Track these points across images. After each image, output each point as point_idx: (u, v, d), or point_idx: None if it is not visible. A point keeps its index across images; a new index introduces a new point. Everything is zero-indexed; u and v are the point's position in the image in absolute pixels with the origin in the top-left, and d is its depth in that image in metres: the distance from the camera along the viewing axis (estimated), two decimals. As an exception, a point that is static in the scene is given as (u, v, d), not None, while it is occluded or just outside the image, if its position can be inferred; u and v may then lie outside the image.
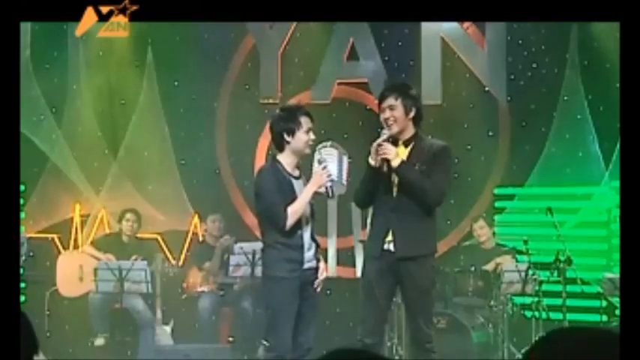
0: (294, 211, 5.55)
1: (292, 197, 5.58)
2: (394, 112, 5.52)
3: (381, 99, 5.65)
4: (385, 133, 5.51)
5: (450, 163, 5.75)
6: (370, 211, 8.74)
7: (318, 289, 5.73)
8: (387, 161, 5.49)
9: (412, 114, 5.54)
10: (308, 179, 5.73)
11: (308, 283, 5.66)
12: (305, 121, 5.64)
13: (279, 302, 5.60)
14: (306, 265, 5.63)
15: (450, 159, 5.74)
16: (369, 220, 6.14)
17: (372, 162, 5.51)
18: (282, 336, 5.57)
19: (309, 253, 5.65)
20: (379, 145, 5.47)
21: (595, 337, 1.83)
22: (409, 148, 5.55)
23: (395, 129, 5.52)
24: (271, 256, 5.64)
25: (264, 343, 5.85)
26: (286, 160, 5.67)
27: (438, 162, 5.53)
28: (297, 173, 5.71)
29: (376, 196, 5.61)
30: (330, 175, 5.69)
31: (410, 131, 5.56)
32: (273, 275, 5.62)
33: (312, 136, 5.67)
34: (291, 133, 5.62)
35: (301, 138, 5.62)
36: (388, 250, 5.51)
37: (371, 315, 5.57)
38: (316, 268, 5.72)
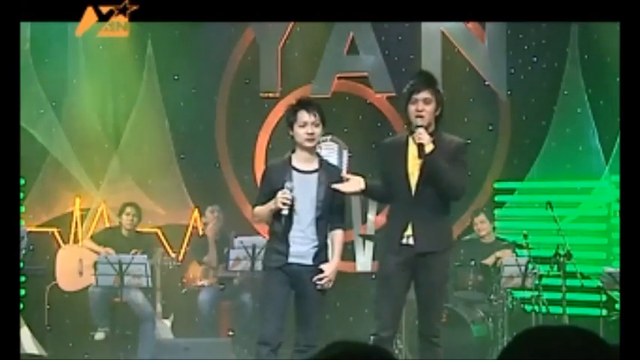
0: (256, 213, 5.78)
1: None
2: (428, 107, 5.49)
3: (417, 89, 5.53)
4: (421, 126, 5.44)
5: (466, 159, 5.73)
6: (370, 204, 8.67)
7: (318, 287, 5.56)
8: (420, 146, 5.44)
9: (439, 112, 5.56)
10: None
11: (301, 280, 5.56)
12: (301, 115, 5.58)
13: (264, 290, 5.74)
14: (293, 260, 5.55)
15: (466, 155, 5.72)
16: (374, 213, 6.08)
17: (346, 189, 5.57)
18: (265, 325, 5.61)
19: (299, 247, 5.55)
20: (417, 131, 5.43)
21: (567, 336, 1.83)
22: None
23: (425, 122, 5.48)
24: (267, 244, 5.92)
25: None
26: (296, 153, 5.68)
27: (459, 158, 5.56)
28: (309, 167, 5.64)
29: (394, 191, 5.59)
30: (285, 204, 5.48)
31: (432, 126, 5.55)
32: (263, 263, 5.87)
33: (309, 129, 5.57)
34: (291, 127, 5.65)
35: (297, 132, 5.61)
36: (407, 245, 5.50)
37: (387, 309, 5.56)
38: (315, 267, 5.58)
